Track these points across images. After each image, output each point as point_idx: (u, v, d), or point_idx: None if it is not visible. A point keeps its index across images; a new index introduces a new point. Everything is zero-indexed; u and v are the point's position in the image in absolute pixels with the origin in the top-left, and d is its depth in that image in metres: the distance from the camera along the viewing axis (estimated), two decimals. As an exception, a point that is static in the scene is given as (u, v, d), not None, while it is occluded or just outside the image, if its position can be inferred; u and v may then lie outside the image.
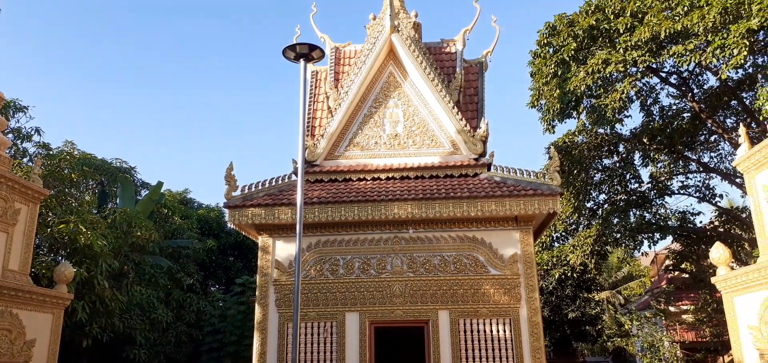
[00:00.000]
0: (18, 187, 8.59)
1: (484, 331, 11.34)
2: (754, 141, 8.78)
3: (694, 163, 20.65)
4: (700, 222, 22.27)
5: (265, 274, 12.06)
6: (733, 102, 18.32)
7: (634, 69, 16.02)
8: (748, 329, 7.75)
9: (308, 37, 16.43)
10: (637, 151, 20.61)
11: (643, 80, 18.22)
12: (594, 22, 16.16)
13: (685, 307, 27.06)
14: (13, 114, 15.92)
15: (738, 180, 18.16)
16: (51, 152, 15.74)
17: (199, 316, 18.49)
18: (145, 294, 15.47)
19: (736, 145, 16.28)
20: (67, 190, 15.37)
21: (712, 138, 19.91)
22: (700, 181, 21.17)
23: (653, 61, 15.45)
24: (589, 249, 20.56)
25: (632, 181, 21.01)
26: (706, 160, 20.63)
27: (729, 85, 17.16)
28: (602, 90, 16.45)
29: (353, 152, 13.39)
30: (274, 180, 12.63)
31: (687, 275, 24.99)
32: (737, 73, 16.57)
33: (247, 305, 17.83)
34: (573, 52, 16.36)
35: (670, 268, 25.72)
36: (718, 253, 8.41)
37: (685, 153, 20.30)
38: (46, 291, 8.86)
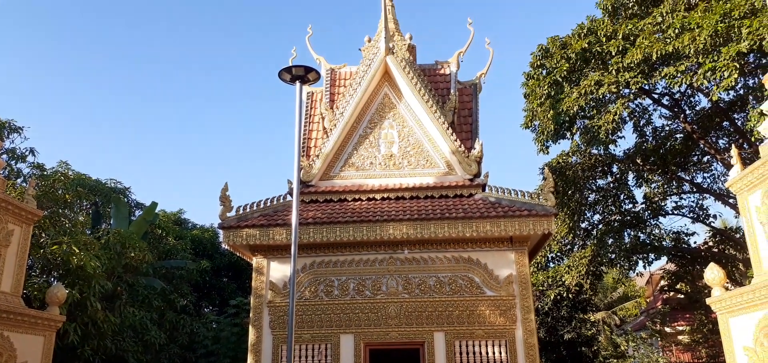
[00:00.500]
0: (11, 209, 8.54)
1: (480, 353, 11.27)
2: (746, 162, 8.84)
3: (687, 184, 20.78)
4: (695, 242, 22.34)
5: (259, 295, 11.99)
6: (725, 123, 18.50)
7: (626, 90, 16.18)
8: (743, 350, 7.73)
9: (304, 59, 16.56)
10: (630, 172, 20.74)
11: (635, 101, 18.40)
12: (586, 45, 16.35)
13: (681, 328, 27.03)
14: (7, 134, 15.88)
15: (731, 200, 18.26)
16: (45, 173, 15.67)
17: (193, 337, 18.29)
18: (138, 316, 15.31)
19: (728, 166, 16.42)
20: (60, 210, 15.29)
21: (705, 158, 20.07)
22: (693, 202, 21.31)
23: (645, 82, 15.62)
24: (585, 269, 20.57)
25: (626, 201, 21.10)
26: (699, 180, 20.77)
27: (720, 106, 17.34)
28: (595, 111, 16.59)
29: (349, 172, 13.41)
30: (269, 200, 12.61)
31: (682, 296, 25.01)
32: (728, 94, 16.77)
33: (240, 327, 17.67)
34: (566, 73, 16.53)
35: (666, 288, 25.73)
36: (713, 274, 8.41)
37: (679, 173, 20.43)
38: (38, 313, 8.76)
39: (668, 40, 14.47)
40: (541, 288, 24.93)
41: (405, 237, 11.66)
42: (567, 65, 16.50)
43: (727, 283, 11.63)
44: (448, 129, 13.09)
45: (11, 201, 8.55)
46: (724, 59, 13.22)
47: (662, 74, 14.85)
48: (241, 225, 11.96)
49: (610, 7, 17.23)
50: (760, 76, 15.16)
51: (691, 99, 18.87)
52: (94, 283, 13.08)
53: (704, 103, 18.41)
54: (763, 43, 12.78)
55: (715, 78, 13.68)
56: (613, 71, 15.40)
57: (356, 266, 12.00)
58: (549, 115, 17.11)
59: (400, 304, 11.66)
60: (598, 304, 30.44)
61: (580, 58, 16.56)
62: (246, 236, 11.89)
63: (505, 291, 11.60)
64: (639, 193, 21.55)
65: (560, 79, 16.69)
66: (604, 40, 16.21)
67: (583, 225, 21.07)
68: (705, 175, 20.71)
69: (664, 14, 15.36)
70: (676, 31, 14.44)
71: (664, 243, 21.38)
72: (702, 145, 18.92)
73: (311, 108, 15.14)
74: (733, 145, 10.11)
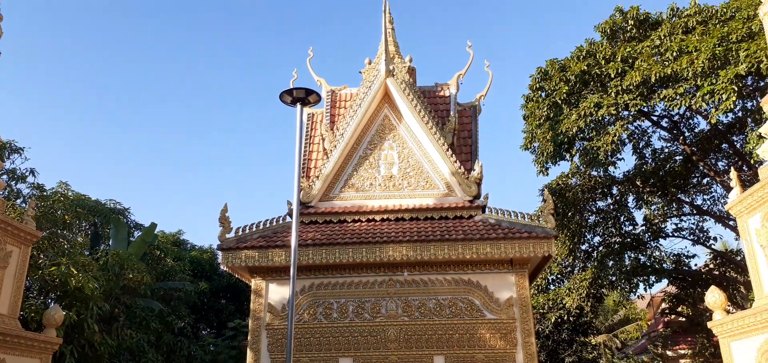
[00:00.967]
0: (10, 230, 8.53)
1: (480, 377, 11.14)
2: (745, 184, 8.85)
3: (687, 206, 20.74)
4: (695, 264, 22.23)
5: (257, 317, 11.90)
6: (724, 145, 18.53)
7: (625, 112, 16.25)
8: (746, 375, 7.66)
9: (305, 80, 16.65)
10: (630, 194, 20.72)
11: (634, 123, 18.46)
12: (585, 67, 16.45)
13: (682, 352, 26.76)
14: (8, 155, 15.92)
15: (731, 223, 18.23)
16: (45, 193, 15.68)
17: (190, 360, 18.13)
18: (136, 338, 15.20)
19: (728, 188, 16.42)
20: (59, 231, 15.26)
21: (705, 181, 20.06)
22: (693, 224, 21.24)
23: (644, 104, 15.69)
24: (585, 292, 20.46)
25: (626, 223, 21.05)
26: (699, 202, 20.74)
27: (719, 128, 17.38)
28: (594, 133, 16.64)
29: (348, 193, 13.40)
30: (268, 222, 12.59)
31: (684, 319, 24.81)
32: (727, 117, 16.82)
33: (238, 350, 17.52)
34: (565, 95, 16.61)
35: (667, 311, 25.54)
36: (714, 297, 8.38)
37: (679, 195, 20.41)
38: (34, 335, 8.71)
39: (666, 63, 14.57)
40: (541, 311, 24.76)
41: (405, 259, 11.61)
42: (566, 87, 16.59)
43: (729, 306, 11.57)
44: (447, 150, 13.11)
45: (10, 222, 8.54)
46: (723, 82, 13.29)
47: (661, 97, 14.92)
48: (240, 246, 11.92)
49: (608, 31, 17.38)
50: (759, 98, 15.22)
51: (690, 121, 18.92)
52: (92, 305, 13.01)
53: (703, 125, 18.48)
54: (761, 66, 12.87)
55: (713, 101, 13.75)
56: (612, 93, 15.48)
57: (356, 288, 11.93)
58: (548, 137, 17.16)
59: (399, 327, 11.57)
60: (599, 327, 30.22)
61: (579, 81, 16.66)
62: (245, 258, 11.83)
63: (505, 314, 11.52)
64: (639, 215, 21.55)
65: (559, 101, 16.77)
66: (602, 62, 16.33)
67: (583, 247, 21.00)
68: (705, 197, 20.69)
69: (662, 37, 15.50)
70: (675, 54, 14.54)
71: (664, 265, 21.29)
72: (701, 167, 18.94)
73: (312, 129, 15.19)
74: (732, 168, 10.15)
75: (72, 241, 16.07)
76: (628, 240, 20.81)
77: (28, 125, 53.78)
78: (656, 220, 21.08)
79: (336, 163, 13.38)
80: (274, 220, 12.67)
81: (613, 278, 20.71)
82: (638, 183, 19.74)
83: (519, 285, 11.73)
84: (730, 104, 13.38)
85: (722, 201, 19.90)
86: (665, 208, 21.12)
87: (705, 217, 20.69)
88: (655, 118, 18.86)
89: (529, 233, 11.56)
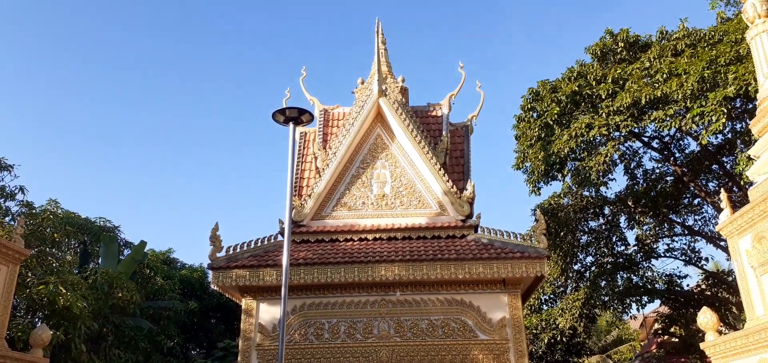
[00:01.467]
0: (-3, 248, 8.41)
1: (473, 398, 11.05)
2: (736, 205, 8.90)
3: (679, 226, 20.83)
4: (687, 285, 22.28)
5: (247, 338, 11.77)
6: (714, 166, 18.67)
7: (616, 133, 16.36)
8: (738, 396, 7.63)
9: (298, 99, 16.66)
10: (622, 214, 20.80)
11: (626, 144, 18.59)
12: (576, 88, 16.59)
13: (675, 372, 26.70)
14: (-3, 172, 15.76)
15: (722, 243, 18.30)
16: (34, 211, 15.52)
17: (179, 381, 17.89)
18: (124, 358, 15.00)
19: (719, 209, 16.51)
20: (48, 249, 15.10)
21: (696, 201, 20.18)
22: (685, 244, 21.33)
23: (635, 125, 15.81)
24: (578, 312, 20.43)
25: (619, 243, 21.11)
26: (690, 223, 20.84)
27: (709, 150, 17.53)
28: (586, 153, 16.74)
29: (341, 212, 13.37)
30: (259, 241, 12.51)
31: (676, 339, 24.80)
32: (717, 138, 16.97)
33: (228, 370, 17.30)
34: (556, 116, 16.72)
35: (660, 331, 25.52)
36: (706, 318, 8.38)
37: (670, 216, 20.50)
38: (21, 356, 8.56)
39: (657, 85, 14.71)
40: (534, 331, 24.68)
41: (397, 278, 11.55)
42: (557, 108, 16.71)
43: (721, 327, 11.56)
44: (440, 170, 13.13)
45: (-3, 240, 8.43)
46: (712, 104, 13.44)
47: (651, 118, 15.05)
48: (231, 265, 11.82)
49: (599, 52, 17.56)
50: (748, 120, 15.38)
51: (681, 142, 19.08)
52: (80, 324, 12.84)
53: (693, 146, 18.63)
54: (749, 88, 13.02)
55: (703, 122, 13.88)
56: (604, 114, 15.60)
57: (347, 308, 11.84)
58: (540, 157, 17.23)
59: (391, 348, 11.46)
60: (593, 347, 30.13)
61: (570, 101, 16.78)
62: (235, 277, 11.73)
63: (498, 334, 11.46)
64: (631, 236, 21.60)
65: (551, 122, 16.87)
66: (593, 83, 16.47)
67: (575, 267, 21.01)
68: (696, 217, 20.80)
69: (652, 60, 15.67)
70: (664, 76, 14.69)
71: (657, 286, 21.32)
72: (692, 188, 19.06)
73: (304, 148, 15.19)
74: (722, 189, 10.20)
75: (61, 260, 15.91)
76: (621, 260, 20.86)
77: (18, 143, 53.48)
78: (648, 241, 21.14)
79: (328, 182, 13.36)
80: (266, 239, 12.59)
81: (606, 298, 20.71)
82: (630, 203, 19.83)
83: (512, 305, 11.69)
84: (719, 126, 13.51)
85: (713, 222, 20.00)
86: (657, 228, 21.21)
87: (696, 237, 20.78)
88: (645, 139, 19.01)
89: (522, 253, 11.55)
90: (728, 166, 17.86)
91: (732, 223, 8.07)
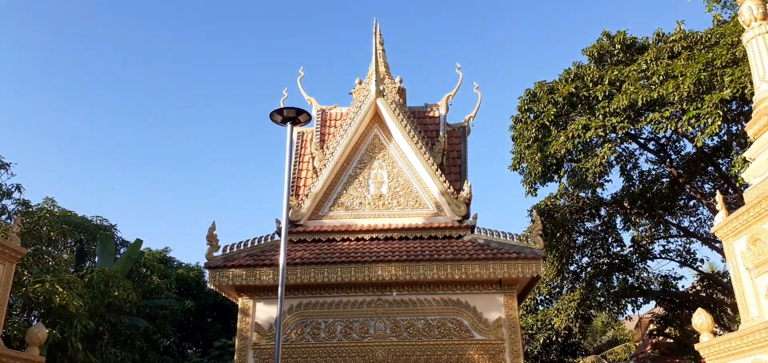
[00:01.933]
0: (-6, 246, 8.40)
1: (469, 398, 11.07)
2: (731, 207, 8.96)
3: (674, 228, 20.92)
4: (683, 286, 22.39)
5: (244, 337, 11.77)
6: (710, 168, 18.76)
7: (613, 135, 16.43)
8: (732, 397, 7.68)
9: (295, 99, 16.68)
10: (618, 215, 20.87)
11: (622, 146, 18.66)
12: (573, 90, 16.64)
13: (670, 373, 26.80)
14: (-6, 171, 15.71)
15: (718, 245, 18.39)
16: (31, 209, 15.48)
17: (176, 380, 17.88)
18: (120, 356, 14.98)
19: (714, 211, 16.59)
20: (45, 248, 15.07)
21: (691, 203, 20.27)
22: (681, 246, 21.43)
23: (631, 127, 15.87)
24: (574, 313, 20.50)
25: (614, 244, 21.18)
26: (685, 224, 20.94)
27: (705, 152, 17.61)
28: (582, 154, 16.79)
29: (338, 212, 13.38)
30: (256, 240, 12.51)
31: (671, 340, 24.90)
32: (713, 140, 17.05)
33: (225, 369, 17.28)
34: (553, 117, 16.77)
35: (655, 332, 25.63)
36: (701, 319, 8.42)
37: (666, 217, 20.59)
38: (17, 354, 8.55)
39: (653, 87, 14.78)
40: (530, 331, 24.74)
41: (393, 278, 11.57)
42: (554, 109, 16.76)
43: (716, 328, 11.63)
44: (437, 170, 13.16)
45: (-6, 238, 8.42)
46: (708, 106, 13.50)
47: (648, 120, 15.11)
48: (228, 265, 11.82)
49: (596, 54, 17.63)
50: (743, 123, 15.46)
51: (677, 144, 19.17)
52: (76, 323, 12.83)
53: (689, 148, 18.72)
54: (745, 91, 13.09)
55: (699, 124, 13.94)
56: (600, 116, 15.66)
57: (344, 308, 11.85)
58: (537, 158, 17.28)
59: (388, 348, 11.48)
60: (588, 348, 30.23)
61: (567, 103, 16.84)
62: (232, 276, 11.73)
63: (494, 334, 11.49)
64: (627, 237, 21.69)
65: (547, 123, 16.92)
66: (590, 85, 16.53)
67: (571, 268, 21.07)
68: (691, 219, 20.90)
69: (649, 62, 15.74)
70: (661, 78, 14.76)
71: (652, 287, 21.41)
72: (688, 190, 19.14)
73: (301, 147, 15.19)
74: (717, 191, 10.25)
75: (57, 258, 15.86)
76: (616, 261, 20.93)
77: (14, 141, 53.31)
78: (644, 242, 21.23)
79: (325, 182, 13.37)
80: (263, 238, 12.59)
81: (602, 299, 20.80)
82: (626, 204, 19.90)
83: (508, 305, 11.72)
84: (715, 128, 13.58)
85: (709, 223, 20.10)
86: (652, 229, 21.30)
87: (692, 239, 20.88)
88: (642, 141, 19.09)
89: (518, 254, 11.58)
90: (724, 168, 17.95)
91: (727, 225, 8.12)
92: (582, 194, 19.48)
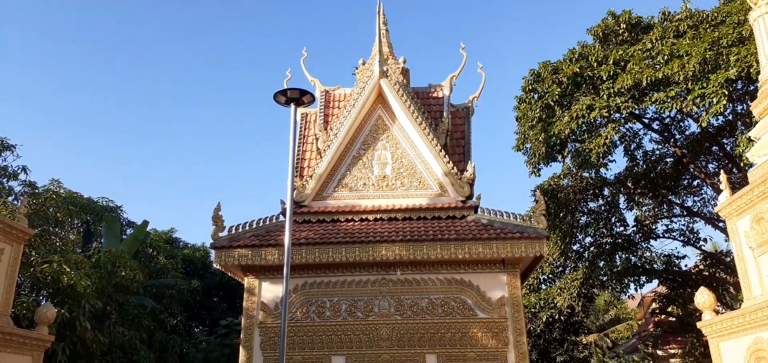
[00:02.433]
0: (2, 227, 8.51)
1: (472, 376, 11.21)
2: (735, 187, 8.98)
3: (678, 208, 20.92)
4: (686, 265, 22.43)
5: (250, 316, 11.92)
6: (714, 148, 18.72)
7: (617, 115, 16.38)
8: (733, 375, 7.77)
9: (299, 80, 16.64)
10: (621, 195, 20.87)
11: (626, 126, 18.60)
12: (578, 70, 16.56)
13: (672, 351, 26.98)
14: (0, 152, 15.81)
15: (721, 224, 18.42)
16: (37, 191, 15.60)
17: (182, 358, 18.11)
18: (128, 335, 15.18)
19: (718, 191, 16.59)
20: (51, 229, 15.20)
21: (695, 183, 20.25)
22: (684, 225, 21.43)
23: (636, 107, 15.81)
24: (576, 292, 20.59)
25: (617, 224, 21.21)
26: (689, 204, 20.93)
27: (710, 131, 17.55)
28: (586, 135, 16.76)
29: (342, 193, 13.44)
30: (261, 220, 12.60)
31: (674, 319, 25.03)
32: (717, 120, 16.99)
33: (231, 348, 17.50)
34: (557, 97, 16.71)
35: (657, 311, 25.75)
36: (703, 297, 8.48)
37: (669, 197, 20.59)
38: (26, 332, 8.69)
39: (658, 67, 14.69)
40: (533, 310, 24.90)
41: (397, 258, 11.66)
42: (558, 89, 16.70)
43: (718, 306, 11.70)
44: (440, 151, 13.18)
45: (2, 219, 8.53)
46: (713, 86, 13.43)
47: (652, 100, 15.05)
48: (233, 245, 11.92)
49: (600, 34, 17.50)
50: (749, 102, 15.39)
51: (681, 124, 19.10)
52: (84, 303, 12.99)
53: (694, 128, 18.66)
54: (751, 70, 13.01)
55: (704, 104, 13.88)
56: (604, 96, 15.60)
57: (348, 287, 11.97)
58: (540, 139, 17.26)
59: (392, 325, 11.62)
60: (590, 326, 30.42)
61: (571, 83, 16.77)
62: (238, 256, 11.84)
63: (497, 313, 11.60)
64: (630, 216, 21.76)
65: (552, 103, 16.87)
66: (595, 65, 16.44)
67: (574, 247, 21.13)
68: (695, 198, 20.88)
69: (654, 41, 15.63)
70: (666, 58, 14.67)
71: (655, 266, 21.46)
72: (692, 170, 19.11)
73: (305, 129, 15.20)
74: (722, 170, 10.25)
75: (64, 239, 16.02)
76: (619, 241, 20.97)
77: (20, 122, 53.41)
78: (647, 222, 21.25)
79: (329, 163, 13.41)
80: (268, 219, 12.68)
81: (604, 278, 20.87)
82: (629, 184, 19.90)
83: (511, 285, 11.81)
84: (720, 108, 13.52)
85: (712, 203, 20.09)
86: (656, 209, 21.30)
87: (695, 218, 20.88)
88: (646, 121, 19.03)
89: (521, 233, 11.64)
90: (728, 148, 17.90)
91: (731, 205, 8.15)
92: (586, 174, 19.47)
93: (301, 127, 15.14)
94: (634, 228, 21.20)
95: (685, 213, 20.83)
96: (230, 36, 72.77)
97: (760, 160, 8.12)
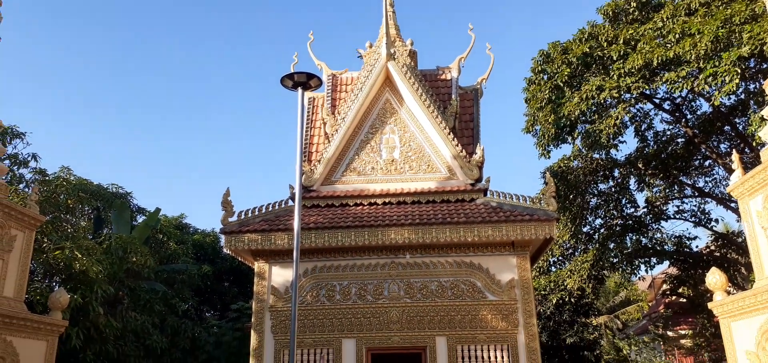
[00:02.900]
0: (14, 214, 8.57)
1: (482, 358, 11.27)
2: (747, 167, 8.85)
3: (689, 188, 20.74)
4: (697, 246, 22.29)
5: (260, 300, 12.00)
6: (726, 127, 18.48)
7: (627, 95, 16.18)
8: (745, 355, 7.73)
9: (306, 64, 16.59)
10: (632, 176, 20.71)
11: (637, 106, 18.38)
12: (587, 50, 16.37)
13: (683, 332, 26.96)
14: (10, 140, 15.94)
15: (733, 205, 18.26)
16: (47, 178, 15.72)
17: (194, 342, 18.31)
18: (140, 320, 15.35)
19: (730, 170, 16.40)
20: (62, 216, 15.33)
21: (707, 163, 20.04)
22: (695, 206, 21.26)
23: (646, 87, 15.62)
24: (587, 274, 20.53)
25: (628, 205, 21.06)
26: (700, 184, 20.74)
27: (722, 111, 17.33)
28: (596, 116, 16.59)
29: (350, 177, 13.43)
30: (270, 205, 12.62)
31: (684, 300, 24.94)
32: (730, 99, 16.75)
33: (242, 332, 17.66)
34: (567, 78, 16.53)
35: (668, 292, 25.68)
36: (715, 278, 8.42)
37: (680, 178, 20.40)
38: (40, 318, 8.79)
39: (669, 46, 14.47)
40: (543, 292, 24.89)
41: (407, 242, 11.67)
42: (568, 70, 16.52)
43: (729, 287, 11.64)
44: (449, 134, 13.11)
45: (14, 207, 8.59)
46: (725, 64, 13.22)
47: (663, 79, 14.85)
48: (243, 230, 11.98)
49: (610, 13, 17.26)
50: (761, 81, 15.16)
51: (693, 104, 18.86)
52: (96, 288, 13.13)
53: (705, 107, 18.42)
54: (764, 48, 12.79)
55: (716, 83, 13.68)
56: (615, 76, 15.41)
57: (358, 271, 12.01)
58: (550, 120, 17.11)
59: (402, 308, 11.66)
60: (601, 308, 30.39)
61: (581, 63, 16.57)
62: (248, 241, 11.90)
63: (507, 295, 11.61)
64: (641, 198, 21.58)
65: (561, 84, 16.70)
66: (605, 45, 16.23)
67: (584, 229, 21.03)
68: (706, 179, 20.68)
69: (665, 20, 15.38)
70: (677, 36, 14.44)
71: (666, 247, 21.34)
72: (703, 150, 18.91)
73: (313, 113, 15.17)
74: (734, 150, 10.14)
75: (75, 226, 16.15)
76: (630, 222, 20.84)
77: (30, 110, 53.77)
78: (658, 203, 21.09)
79: (337, 147, 13.39)
80: (277, 203, 12.70)
81: (615, 260, 20.79)
82: (640, 165, 19.73)
83: (520, 267, 11.80)
84: (732, 87, 13.31)
85: (724, 183, 19.90)
86: (667, 190, 21.12)
87: (706, 199, 20.70)
88: (657, 101, 18.81)
89: (531, 216, 11.60)
90: (740, 127, 17.67)
91: (743, 184, 8.04)
92: (596, 155, 19.31)
93: (308, 112, 15.12)
94: (645, 209, 21.05)
95: (697, 194, 20.65)
96: (238, 21, 72.63)
97: (773, 139, 8.00)
